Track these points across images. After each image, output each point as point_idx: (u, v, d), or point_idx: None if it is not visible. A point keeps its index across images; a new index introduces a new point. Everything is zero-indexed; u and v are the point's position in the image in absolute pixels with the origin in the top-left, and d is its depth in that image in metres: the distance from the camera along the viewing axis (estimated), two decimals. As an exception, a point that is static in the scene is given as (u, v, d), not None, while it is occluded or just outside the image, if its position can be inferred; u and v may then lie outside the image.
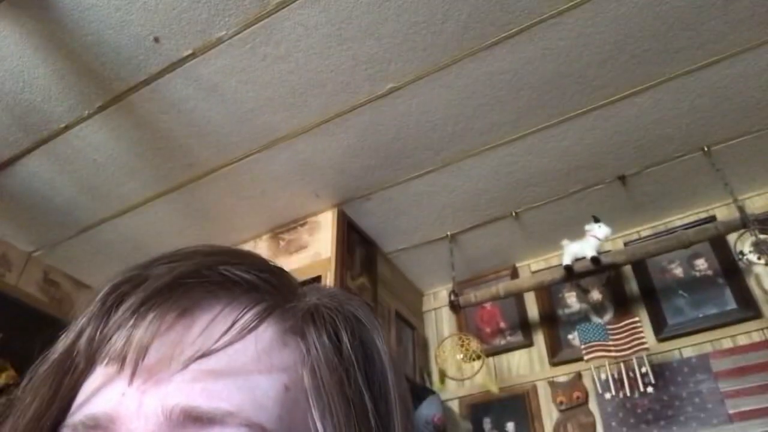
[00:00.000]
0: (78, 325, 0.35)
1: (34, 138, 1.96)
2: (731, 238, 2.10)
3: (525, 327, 2.47)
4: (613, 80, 1.83)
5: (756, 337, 2.00)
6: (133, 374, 0.32)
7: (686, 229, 2.14)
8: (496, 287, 2.27)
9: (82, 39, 1.66)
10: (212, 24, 1.62)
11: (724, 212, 2.26)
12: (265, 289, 0.37)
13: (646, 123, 1.99)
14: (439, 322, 2.73)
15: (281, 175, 2.16)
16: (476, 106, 1.91)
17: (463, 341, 2.28)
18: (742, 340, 2.02)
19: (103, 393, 0.33)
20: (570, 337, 2.33)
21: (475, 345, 2.25)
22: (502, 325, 2.53)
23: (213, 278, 0.36)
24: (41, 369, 0.36)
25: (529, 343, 2.43)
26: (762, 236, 1.84)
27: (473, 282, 2.65)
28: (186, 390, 0.31)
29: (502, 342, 2.49)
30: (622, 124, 1.99)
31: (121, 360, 0.32)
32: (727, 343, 2.04)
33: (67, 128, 1.92)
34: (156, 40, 1.66)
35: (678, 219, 2.38)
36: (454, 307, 2.29)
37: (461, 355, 2.24)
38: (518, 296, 2.46)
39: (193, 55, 1.70)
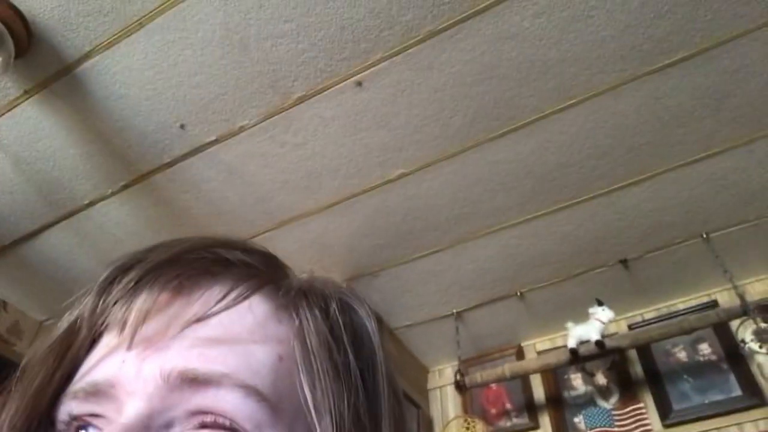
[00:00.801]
0: (81, 303, 0.38)
1: (58, 213, 2.04)
2: (734, 323, 2.12)
3: (531, 409, 2.45)
4: (612, 171, 1.92)
5: (762, 426, 1.99)
6: (131, 341, 0.33)
7: (688, 313, 2.18)
8: (502, 368, 2.28)
9: (113, 124, 1.77)
10: (236, 114, 1.73)
11: (725, 296, 2.30)
12: (259, 268, 0.40)
13: (646, 210, 2.06)
14: (444, 400, 2.72)
15: (294, 252, 2.23)
16: (482, 191, 1.99)
17: (468, 423, 2.27)
18: (749, 429, 2.01)
19: (104, 361, 0.34)
20: (576, 420, 2.31)
21: (480, 427, 2.24)
22: (508, 406, 2.51)
23: (210, 257, 0.38)
24: (46, 342, 0.37)
25: (535, 426, 2.41)
26: (763, 324, 1.88)
27: (479, 360, 2.66)
28: (183, 354, 0.33)
29: (508, 424, 2.46)
30: (623, 211, 2.07)
31: (121, 328, 0.34)
32: (734, 431, 2.02)
33: (90, 204, 2.01)
34: (182, 127, 1.77)
35: (680, 302, 2.42)
36: (460, 387, 2.29)
37: (466, 438, 2.22)
38: (524, 377, 2.46)
39: (216, 141, 1.80)
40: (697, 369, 2.20)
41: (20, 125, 1.77)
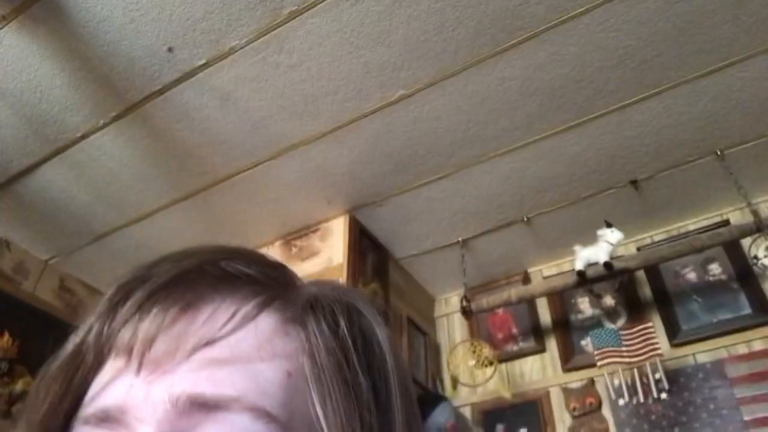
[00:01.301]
0: (87, 324, 0.37)
1: (51, 147, 1.99)
2: (745, 242, 2.08)
3: (537, 333, 2.46)
4: (624, 85, 1.83)
5: (772, 342, 1.98)
6: (139, 366, 0.33)
7: (700, 233, 2.14)
8: (508, 293, 2.27)
9: (97, 50, 1.68)
10: (225, 34, 1.64)
11: (737, 216, 2.25)
12: (266, 282, 0.39)
13: (658, 127, 1.98)
14: (451, 327, 2.73)
15: (293, 182, 2.18)
16: (487, 111, 1.91)
17: (475, 347, 2.28)
18: (758, 346, 2.00)
19: (112, 386, 0.34)
20: (583, 342, 2.32)
21: (487, 351, 2.25)
22: (514, 330, 2.52)
23: (215, 273, 0.37)
24: (53, 366, 0.37)
25: (541, 349, 2.42)
26: (777, 240, 1.83)
27: (485, 288, 2.65)
28: (191, 378, 0.32)
29: (515, 348, 2.48)
30: (634, 129, 1.99)
31: (128, 352, 0.34)
32: (743, 349, 2.02)
33: (83, 137, 1.95)
34: (170, 50, 1.69)
35: (691, 223, 2.37)
36: (466, 313, 2.29)
37: (473, 362, 2.24)
38: (530, 302, 2.46)
39: (206, 65, 1.72)
40: (706, 289, 2.18)
41: (1, 55, 1.69)
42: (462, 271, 2.43)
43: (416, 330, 2.51)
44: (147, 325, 0.34)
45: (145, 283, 0.36)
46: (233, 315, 0.35)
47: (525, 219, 2.37)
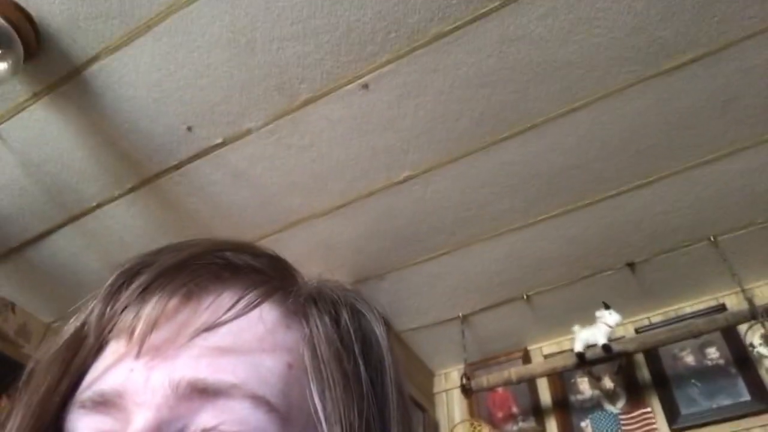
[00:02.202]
0: (88, 307, 0.37)
1: (66, 215, 2.05)
2: (742, 327, 2.11)
3: (537, 412, 2.44)
4: (619, 173, 1.92)
5: (772, 431, 1.97)
6: (140, 350, 0.33)
7: (696, 317, 2.16)
8: (508, 372, 2.27)
9: (120, 126, 1.77)
10: (242, 117, 1.74)
11: (733, 300, 2.29)
12: (269, 273, 0.39)
13: (653, 213, 2.05)
14: (451, 404, 2.71)
15: (300, 255, 2.23)
16: (488, 194, 1.99)
17: (474, 427, 2.26)
18: (759, 434, 1.99)
19: (112, 370, 0.34)
20: (583, 424, 2.30)
21: (487, 431, 2.22)
22: (515, 410, 2.50)
23: (219, 262, 0.38)
24: (53, 348, 0.37)
25: (542, 430, 2.39)
26: (772, 328, 1.86)
27: (485, 363, 2.65)
28: (192, 364, 0.32)
29: (515, 428, 2.45)
30: (630, 214, 2.06)
31: (129, 336, 0.34)
32: (743, 436, 2.01)
33: (98, 206, 2.02)
34: (189, 129, 1.78)
35: (688, 306, 2.40)
36: (466, 391, 2.28)
37: (473, 441, 2.21)
38: (531, 381, 2.45)
39: (223, 144, 1.81)
40: (705, 373, 2.19)
41: (29, 128, 1.78)
42: (462, 346, 2.44)
43: (415, 406, 2.49)
44: (149, 309, 0.34)
45: (148, 267, 0.36)
46: (236, 302, 0.35)
47: (525, 296, 2.41)
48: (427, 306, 2.50)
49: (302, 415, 0.34)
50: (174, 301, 0.34)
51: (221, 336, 0.33)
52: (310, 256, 2.24)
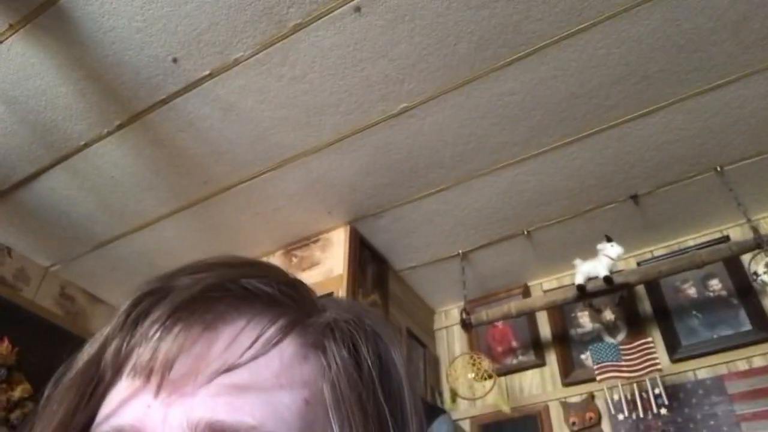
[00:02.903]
0: (103, 336, 0.36)
1: (55, 155, 2.00)
2: (745, 258, 2.09)
3: (537, 346, 2.46)
4: (624, 101, 1.84)
5: (772, 359, 1.98)
6: (159, 387, 0.33)
7: (699, 249, 2.14)
8: (507, 306, 2.27)
9: (103, 59, 1.70)
10: (230, 46, 1.66)
11: (737, 232, 2.26)
12: (286, 303, 0.38)
13: (658, 143, 1.99)
14: (451, 340, 2.73)
15: (295, 193, 2.19)
16: (488, 125, 1.92)
17: (474, 360, 2.27)
18: (758, 362, 2.00)
19: (129, 405, 0.33)
20: (583, 356, 2.32)
21: (486, 364, 2.24)
22: (514, 344, 2.52)
23: (236, 292, 0.37)
24: (67, 377, 0.37)
25: (541, 363, 2.41)
26: (776, 257, 1.83)
27: (485, 300, 2.65)
28: (210, 404, 0.32)
29: (514, 361, 2.47)
30: (634, 144, 2.00)
31: (148, 372, 0.33)
32: (743, 365, 2.01)
33: (86, 146, 1.97)
34: (174, 60, 1.70)
35: (691, 239, 2.37)
36: (466, 325, 2.28)
37: (473, 375, 2.23)
38: (530, 315, 2.45)
39: (210, 76, 1.74)
40: (706, 304, 2.18)
41: (8, 62, 1.71)
42: (462, 283, 2.43)
43: (416, 342, 2.50)
44: (168, 345, 0.33)
45: (164, 298, 0.35)
46: (255, 340, 0.35)
47: (525, 232, 2.38)
48: (426, 243, 2.47)
49: None
50: (192, 337, 0.34)
51: (239, 374, 0.33)
52: (306, 195, 2.20)
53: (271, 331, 0.36)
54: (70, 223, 2.28)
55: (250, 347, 0.34)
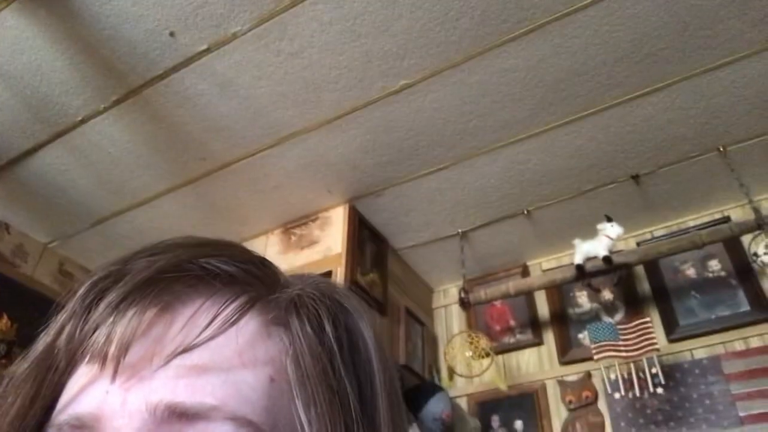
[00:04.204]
0: (58, 323, 0.35)
1: (51, 130, 1.98)
2: (745, 239, 2.08)
3: (535, 325, 2.46)
4: (627, 79, 1.82)
5: (769, 340, 1.99)
6: (115, 372, 0.32)
7: (700, 229, 2.13)
8: (506, 285, 2.27)
9: (99, 33, 1.67)
10: (227, 19, 1.63)
11: (738, 213, 2.25)
12: (247, 281, 0.37)
13: (661, 122, 1.97)
14: (449, 319, 2.74)
15: (293, 171, 2.17)
16: (489, 103, 1.90)
17: (472, 338, 2.28)
18: (755, 343, 2.00)
19: (86, 392, 0.32)
20: (580, 336, 2.32)
21: (484, 342, 2.25)
22: (512, 323, 2.53)
23: (193, 271, 0.35)
24: (22, 368, 0.35)
25: (539, 342, 2.42)
26: (777, 238, 1.83)
27: (484, 279, 2.65)
28: (170, 386, 0.31)
29: (512, 340, 2.49)
30: (637, 123, 1.98)
31: (103, 357, 0.32)
32: (740, 345, 2.02)
33: (83, 121, 1.94)
34: (171, 34, 1.68)
35: (692, 219, 2.36)
36: (464, 304, 2.29)
37: (470, 353, 2.24)
38: (529, 294, 2.46)
39: (208, 51, 1.71)
40: (705, 285, 2.18)
41: (1, 36, 1.68)
42: (461, 262, 2.43)
43: (414, 321, 2.51)
44: (122, 328, 0.32)
45: (119, 281, 0.34)
46: (213, 319, 0.34)
47: (525, 212, 2.37)
48: (425, 222, 2.47)
49: (287, 430, 0.33)
50: (147, 319, 0.33)
51: (198, 355, 0.32)
52: (304, 173, 2.19)
53: (230, 309, 0.35)
54: (68, 199, 2.27)
55: (207, 326, 0.33)
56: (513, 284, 2.28)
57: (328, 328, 0.37)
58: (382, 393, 0.38)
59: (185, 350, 0.32)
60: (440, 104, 1.90)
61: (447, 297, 2.81)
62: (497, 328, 2.54)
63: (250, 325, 0.35)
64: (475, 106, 1.91)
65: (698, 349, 2.08)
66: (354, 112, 1.93)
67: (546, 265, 2.61)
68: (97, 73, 1.79)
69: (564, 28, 1.65)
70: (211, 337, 0.33)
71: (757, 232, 1.91)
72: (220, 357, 0.33)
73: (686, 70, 1.80)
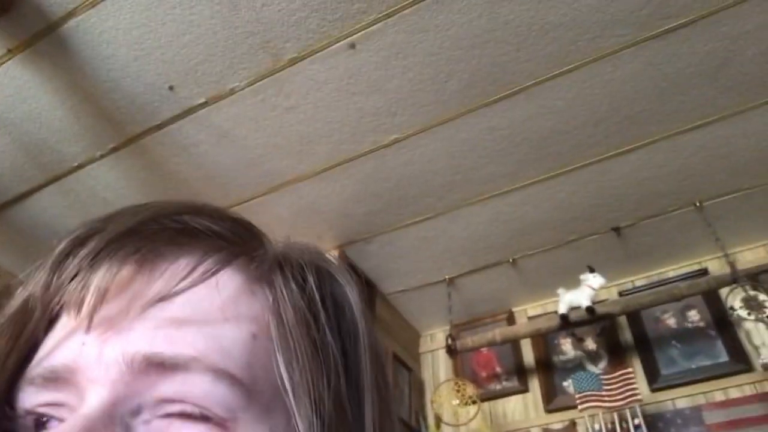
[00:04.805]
0: (35, 276, 0.34)
1: (47, 175, 2.02)
2: (723, 291, 2.14)
3: (521, 372, 2.49)
4: (607, 138, 1.91)
5: (748, 391, 2.03)
6: (90, 322, 0.31)
7: (679, 281, 2.20)
8: (492, 333, 2.31)
9: (100, 85, 1.73)
10: (226, 76, 1.69)
11: (716, 264, 2.32)
12: (230, 239, 0.36)
13: (640, 178, 2.06)
14: (436, 364, 2.75)
15: (286, 218, 2.22)
16: (476, 158, 1.98)
17: (459, 386, 2.30)
18: (735, 393, 2.05)
19: (62, 345, 0.31)
20: (565, 384, 2.35)
21: (470, 390, 2.27)
22: (498, 369, 2.55)
23: (175, 226, 0.35)
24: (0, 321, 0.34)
25: (524, 389, 2.45)
26: (752, 292, 1.90)
27: (470, 325, 2.69)
28: (148, 337, 0.30)
29: (498, 387, 2.51)
30: (617, 179, 2.06)
31: (78, 307, 0.31)
32: (720, 396, 2.07)
33: (80, 167, 1.98)
34: (171, 88, 1.74)
35: (672, 270, 2.43)
36: (451, 351, 2.32)
37: (457, 401, 2.26)
38: (515, 342, 2.49)
39: (206, 104, 1.77)
40: (685, 335, 2.24)
41: (4, 85, 1.73)
42: (448, 308, 2.47)
43: (401, 366, 2.53)
44: (99, 278, 0.31)
45: (98, 234, 0.33)
46: (192, 270, 0.33)
47: (511, 260, 2.42)
48: (414, 269, 2.51)
49: (269, 387, 0.32)
50: (126, 269, 0.32)
51: (178, 306, 0.31)
52: (297, 220, 2.23)
53: (210, 260, 0.34)
54: (59, 242, 2.28)
55: (186, 277, 0.32)
56: (500, 332, 2.31)
57: (312, 286, 0.36)
58: (367, 357, 0.37)
59: (162, 299, 0.31)
60: (429, 158, 1.97)
61: (434, 341, 2.83)
62: (483, 374, 2.56)
63: (233, 280, 0.34)
64: (462, 160, 1.99)
65: (680, 399, 2.12)
66: (346, 163, 1.99)
67: (531, 311, 2.66)
68: (96, 122, 1.84)
69: (548, 91, 1.74)
70: (190, 287, 0.32)
71: (733, 286, 1.98)
72: (201, 311, 0.32)
73: (663, 131, 1.89)
